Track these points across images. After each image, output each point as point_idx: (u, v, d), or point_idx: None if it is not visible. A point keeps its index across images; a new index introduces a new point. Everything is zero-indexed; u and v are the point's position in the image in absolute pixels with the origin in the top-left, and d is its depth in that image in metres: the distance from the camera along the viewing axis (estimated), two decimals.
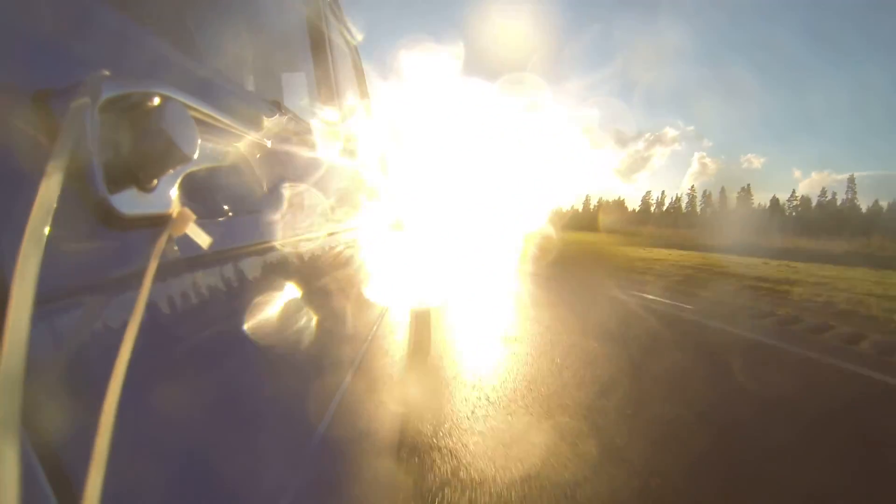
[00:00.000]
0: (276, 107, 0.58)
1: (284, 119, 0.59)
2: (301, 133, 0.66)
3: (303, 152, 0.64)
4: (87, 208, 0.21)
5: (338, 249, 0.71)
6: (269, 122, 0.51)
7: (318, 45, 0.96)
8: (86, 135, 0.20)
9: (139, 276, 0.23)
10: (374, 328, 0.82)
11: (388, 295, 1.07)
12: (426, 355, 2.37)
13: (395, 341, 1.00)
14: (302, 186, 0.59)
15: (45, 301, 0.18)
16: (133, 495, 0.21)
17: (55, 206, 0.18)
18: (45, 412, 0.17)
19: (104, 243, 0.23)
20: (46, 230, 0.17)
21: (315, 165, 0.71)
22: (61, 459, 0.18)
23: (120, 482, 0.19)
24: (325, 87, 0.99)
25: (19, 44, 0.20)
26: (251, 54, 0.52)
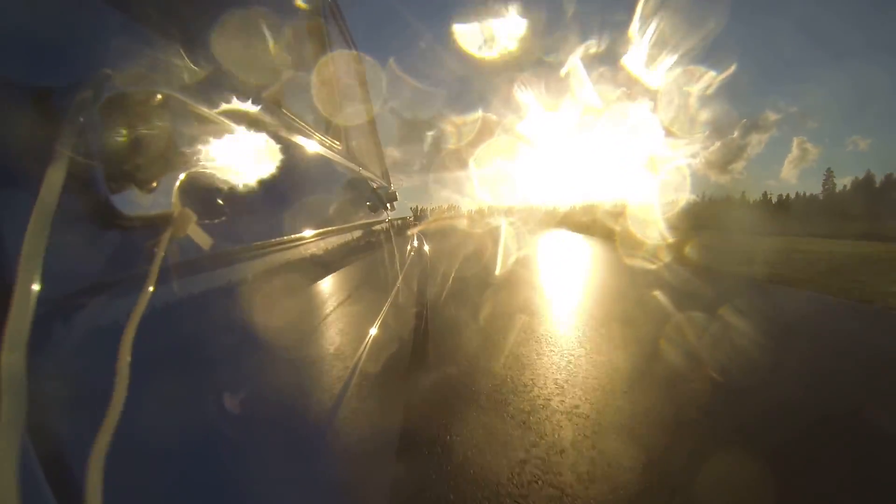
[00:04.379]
0: (277, 107, 0.58)
1: (285, 119, 0.59)
2: (301, 133, 0.66)
3: (303, 153, 0.64)
4: (89, 208, 0.21)
5: (338, 248, 0.71)
6: (270, 123, 0.51)
7: (318, 46, 0.96)
8: (87, 134, 0.20)
9: (141, 276, 0.23)
10: (373, 328, 0.82)
11: (387, 296, 1.07)
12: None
13: (392, 355, 0.99)
14: (302, 186, 0.59)
15: (47, 301, 0.18)
16: (133, 495, 0.21)
17: (57, 205, 0.18)
18: (46, 412, 0.17)
19: (106, 243, 0.22)
20: (48, 230, 0.17)
21: (315, 166, 0.71)
22: (61, 459, 0.18)
23: (120, 482, 0.19)
24: (326, 88, 0.99)
25: (20, 43, 0.20)
26: (252, 55, 0.52)
